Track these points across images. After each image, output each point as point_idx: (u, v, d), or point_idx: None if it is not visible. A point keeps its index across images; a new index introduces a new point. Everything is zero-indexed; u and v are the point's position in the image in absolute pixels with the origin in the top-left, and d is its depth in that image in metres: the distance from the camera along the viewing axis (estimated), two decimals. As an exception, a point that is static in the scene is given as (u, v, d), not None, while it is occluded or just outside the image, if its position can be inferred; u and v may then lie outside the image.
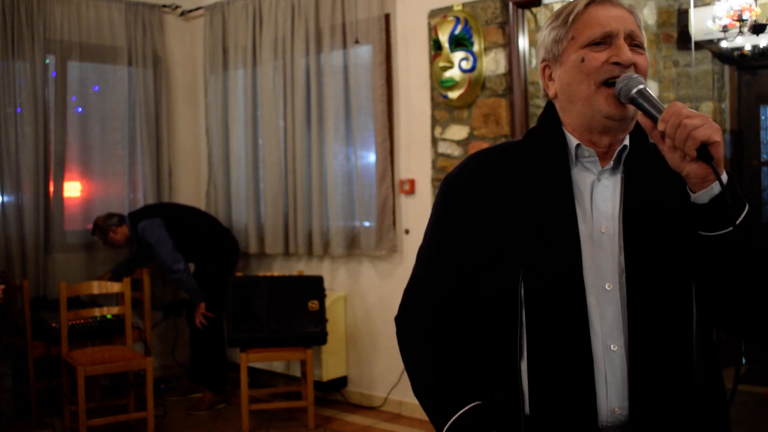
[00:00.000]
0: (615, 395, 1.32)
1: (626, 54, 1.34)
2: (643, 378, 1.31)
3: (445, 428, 1.39)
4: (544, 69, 1.46)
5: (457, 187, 1.46)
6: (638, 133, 1.42)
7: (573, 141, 1.40)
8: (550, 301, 1.33)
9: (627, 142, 1.41)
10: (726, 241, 1.26)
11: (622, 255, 1.34)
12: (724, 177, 1.25)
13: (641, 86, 1.30)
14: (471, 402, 1.39)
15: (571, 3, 1.41)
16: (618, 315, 1.33)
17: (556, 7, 4.76)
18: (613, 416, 1.32)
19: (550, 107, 1.47)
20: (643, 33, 1.41)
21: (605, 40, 1.36)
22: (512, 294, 1.35)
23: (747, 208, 1.29)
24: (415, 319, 1.49)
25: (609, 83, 1.35)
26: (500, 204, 1.40)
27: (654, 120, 1.27)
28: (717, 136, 1.22)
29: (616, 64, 1.34)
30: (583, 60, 1.36)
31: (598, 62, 1.35)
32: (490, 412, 1.38)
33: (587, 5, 1.38)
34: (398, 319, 1.53)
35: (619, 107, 1.34)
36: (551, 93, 1.44)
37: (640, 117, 1.30)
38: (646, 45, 1.41)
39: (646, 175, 1.38)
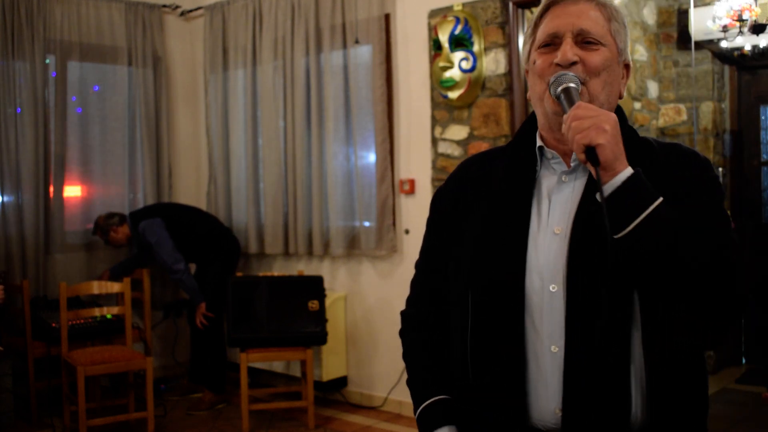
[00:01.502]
0: (555, 396, 1.32)
1: (565, 54, 1.34)
2: (576, 380, 1.30)
3: (416, 415, 1.50)
4: (527, 72, 1.48)
5: (443, 195, 1.56)
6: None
7: (538, 143, 1.43)
8: (490, 303, 1.37)
9: None
10: (625, 244, 1.22)
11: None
12: (623, 176, 1.23)
13: (567, 85, 1.31)
14: (440, 395, 1.48)
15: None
16: (561, 317, 1.32)
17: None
18: (555, 417, 1.33)
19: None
20: (614, 24, 1.38)
21: (554, 41, 1.37)
22: (464, 295, 1.40)
23: (653, 206, 1.22)
24: (412, 313, 1.60)
25: None
26: (473, 207, 1.46)
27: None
28: (600, 139, 1.20)
29: (559, 65, 1.35)
30: (535, 63, 1.40)
31: (545, 64, 1.37)
32: (455, 406, 1.46)
33: (547, 8, 1.40)
34: (401, 313, 1.63)
35: (560, 105, 1.34)
36: (528, 95, 1.48)
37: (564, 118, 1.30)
38: (621, 38, 1.38)
39: None
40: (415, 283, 1.61)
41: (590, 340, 1.29)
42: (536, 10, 1.45)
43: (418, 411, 1.49)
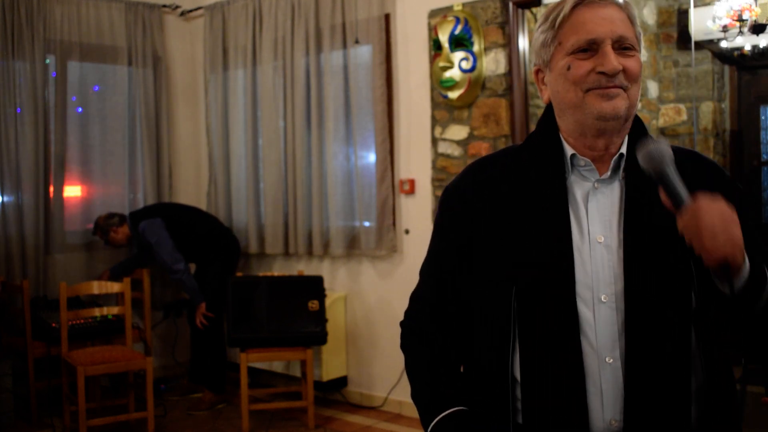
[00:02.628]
0: (611, 407, 1.31)
1: (611, 63, 1.29)
2: (638, 391, 1.30)
3: (429, 428, 1.41)
4: (537, 73, 1.43)
5: (453, 198, 1.47)
6: (638, 136, 1.39)
7: (568, 150, 1.38)
8: (542, 313, 1.32)
9: (624, 150, 1.38)
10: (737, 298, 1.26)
11: (620, 266, 1.32)
12: (745, 270, 1.23)
13: (669, 167, 1.23)
14: (455, 406, 1.40)
15: (558, 4, 1.37)
16: (614, 327, 1.31)
17: (556, 7, 4.76)
18: (610, 428, 1.32)
19: (548, 111, 1.44)
20: (637, 28, 1.36)
21: (591, 47, 1.31)
22: (505, 305, 1.34)
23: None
24: (414, 326, 1.52)
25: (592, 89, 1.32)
26: (495, 214, 1.39)
27: (675, 204, 1.22)
28: (739, 257, 1.18)
29: (602, 73, 1.30)
30: (569, 68, 1.33)
31: (583, 71, 1.31)
32: (473, 418, 1.40)
33: (573, 7, 1.34)
34: (402, 325, 1.56)
35: (610, 104, 1.30)
36: (544, 98, 1.43)
37: (661, 194, 1.24)
38: (641, 41, 1.37)
39: (646, 183, 1.32)
40: (417, 296, 1.53)
41: (654, 351, 1.29)
42: (550, 10, 1.37)
43: (432, 424, 1.41)
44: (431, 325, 1.48)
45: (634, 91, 1.33)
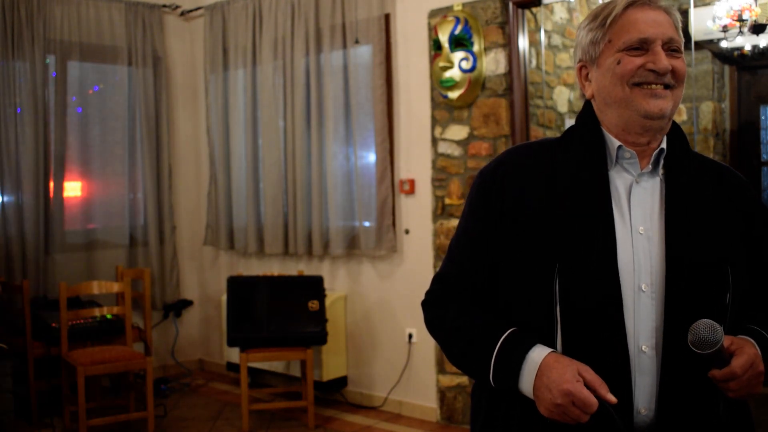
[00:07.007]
0: (642, 396, 1.33)
1: (663, 62, 1.34)
2: (674, 382, 1.31)
3: (493, 358, 1.36)
4: (580, 69, 1.46)
5: (492, 182, 1.46)
6: (675, 136, 1.44)
7: (615, 142, 1.41)
8: (586, 298, 1.33)
9: (664, 144, 1.42)
10: None
11: (661, 257, 1.34)
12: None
13: (717, 346, 1.28)
14: (506, 331, 1.37)
15: (609, 4, 1.41)
16: (651, 316, 1.33)
17: (557, 7, 4.76)
18: (638, 417, 1.33)
19: (588, 107, 1.47)
20: (681, 34, 1.41)
21: (642, 46, 1.36)
22: (547, 290, 1.34)
23: None
24: (441, 304, 1.49)
25: (639, 84, 1.36)
26: (536, 201, 1.40)
27: (718, 367, 1.31)
28: (760, 389, 1.34)
29: (652, 71, 1.34)
30: (618, 62, 1.37)
31: (633, 66, 1.36)
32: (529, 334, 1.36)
33: (625, 8, 1.38)
34: (425, 303, 1.54)
35: (656, 103, 1.34)
36: (588, 93, 1.45)
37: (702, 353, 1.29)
38: (683, 47, 1.41)
39: (687, 179, 1.39)
40: (444, 274, 1.50)
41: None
42: (600, 9, 1.42)
43: (497, 347, 1.35)
44: (459, 304, 1.45)
45: (679, 92, 1.38)
